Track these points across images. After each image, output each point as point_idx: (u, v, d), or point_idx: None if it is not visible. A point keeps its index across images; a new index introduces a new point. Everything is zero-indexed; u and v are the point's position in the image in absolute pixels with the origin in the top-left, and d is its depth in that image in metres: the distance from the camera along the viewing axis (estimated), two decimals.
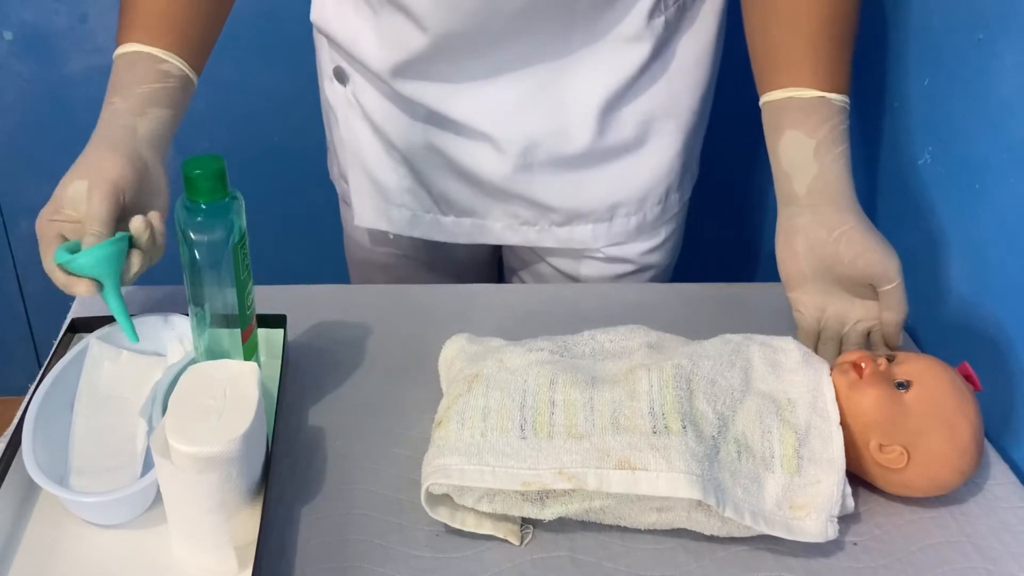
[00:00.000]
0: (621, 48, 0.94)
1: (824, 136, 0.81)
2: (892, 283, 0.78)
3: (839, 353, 0.83)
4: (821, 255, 0.81)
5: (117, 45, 0.84)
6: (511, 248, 1.15)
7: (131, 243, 0.76)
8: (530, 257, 1.13)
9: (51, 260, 0.75)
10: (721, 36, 1.01)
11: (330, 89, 1.06)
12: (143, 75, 0.82)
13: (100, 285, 0.75)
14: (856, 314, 0.82)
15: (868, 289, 0.81)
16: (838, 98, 0.82)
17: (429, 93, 0.96)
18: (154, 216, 0.77)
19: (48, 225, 0.76)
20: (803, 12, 0.83)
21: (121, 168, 0.77)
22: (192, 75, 0.86)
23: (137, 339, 0.79)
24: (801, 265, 0.82)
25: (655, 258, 1.09)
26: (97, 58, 1.54)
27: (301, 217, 1.70)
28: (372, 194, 1.07)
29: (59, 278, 0.75)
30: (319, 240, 1.67)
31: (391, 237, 1.12)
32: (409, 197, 1.06)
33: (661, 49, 0.96)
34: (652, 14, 0.93)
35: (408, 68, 0.95)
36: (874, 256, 0.79)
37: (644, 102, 0.98)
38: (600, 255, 1.07)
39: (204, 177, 0.69)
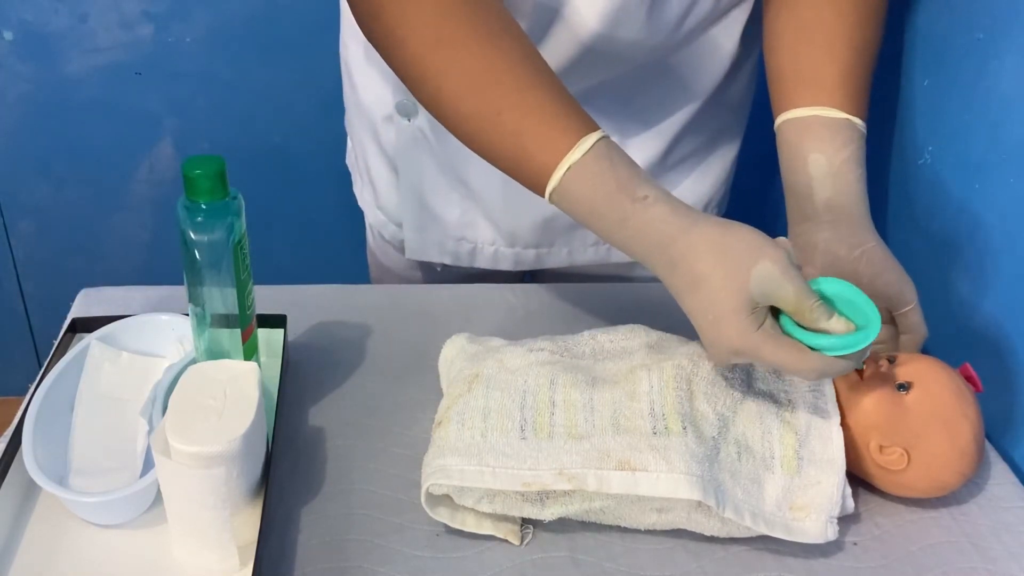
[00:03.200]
0: (695, 93, 0.95)
1: (847, 158, 0.81)
2: (909, 305, 0.78)
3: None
4: (838, 272, 0.79)
5: None
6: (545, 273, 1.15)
7: None
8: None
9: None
10: (755, 75, 1.03)
11: (386, 123, 1.01)
12: None
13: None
14: None
15: (882, 312, 0.80)
16: (860, 123, 0.82)
17: None
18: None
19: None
20: (838, 36, 0.83)
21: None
22: None
23: None
24: None
25: None
26: (97, 58, 1.54)
27: (301, 217, 1.70)
28: (429, 227, 1.04)
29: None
30: (319, 240, 1.67)
31: (439, 269, 1.10)
32: (472, 231, 1.04)
33: (717, 93, 0.97)
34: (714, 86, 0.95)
35: None
36: (892, 277, 0.78)
37: (691, 143, 1.00)
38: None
39: (204, 177, 0.69)
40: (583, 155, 0.69)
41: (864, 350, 0.67)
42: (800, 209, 0.83)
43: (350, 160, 1.14)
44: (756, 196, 1.44)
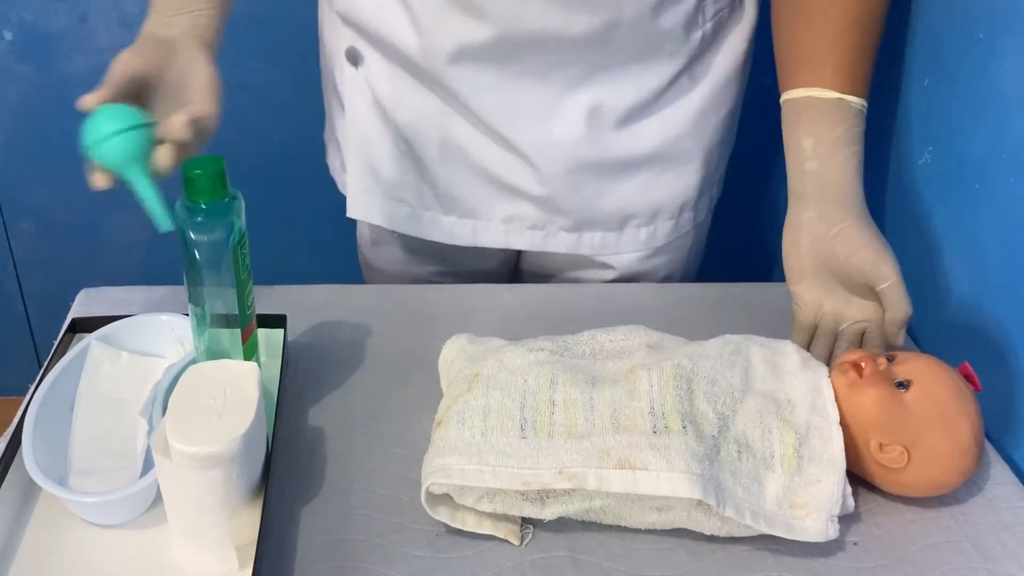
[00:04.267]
0: (656, 59, 0.93)
1: (837, 137, 0.82)
2: (887, 282, 0.79)
3: (831, 351, 0.83)
4: (820, 251, 0.82)
5: None
6: (527, 264, 1.14)
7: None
8: (543, 278, 1.11)
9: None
10: (749, 60, 1.01)
11: (339, 73, 1.02)
12: None
13: (120, 170, 0.72)
14: (852, 313, 0.83)
15: (866, 289, 0.81)
16: (856, 100, 0.83)
17: (463, 86, 0.93)
18: (195, 112, 0.75)
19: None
20: (830, 15, 0.84)
21: (138, 44, 0.76)
22: None
23: (171, 225, 0.71)
24: (803, 260, 0.83)
25: (672, 265, 1.08)
26: (97, 58, 1.54)
27: (301, 217, 1.70)
28: (370, 186, 1.03)
29: (91, 175, 0.72)
30: (319, 240, 1.67)
31: (395, 237, 1.09)
32: (410, 192, 1.03)
33: (692, 65, 0.96)
34: (689, 28, 0.92)
35: (456, 57, 0.92)
36: (868, 254, 0.79)
37: (670, 116, 0.97)
38: (615, 271, 1.06)
39: (204, 177, 0.69)
40: None
41: None
42: (793, 188, 0.85)
43: (326, 133, 1.13)
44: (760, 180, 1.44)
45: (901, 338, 0.81)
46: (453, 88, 0.94)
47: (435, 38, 0.91)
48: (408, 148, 1.00)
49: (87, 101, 0.72)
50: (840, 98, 0.83)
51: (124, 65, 0.74)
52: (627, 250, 1.04)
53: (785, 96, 0.86)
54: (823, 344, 0.83)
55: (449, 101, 0.96)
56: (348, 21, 0.97)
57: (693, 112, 0.98)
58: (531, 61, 0.91)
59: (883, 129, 1.02)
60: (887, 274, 0.79)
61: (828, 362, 0.82)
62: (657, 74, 0.94)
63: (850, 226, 0.80)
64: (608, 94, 0.94)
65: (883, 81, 1.02)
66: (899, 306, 0.79)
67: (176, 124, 0.73)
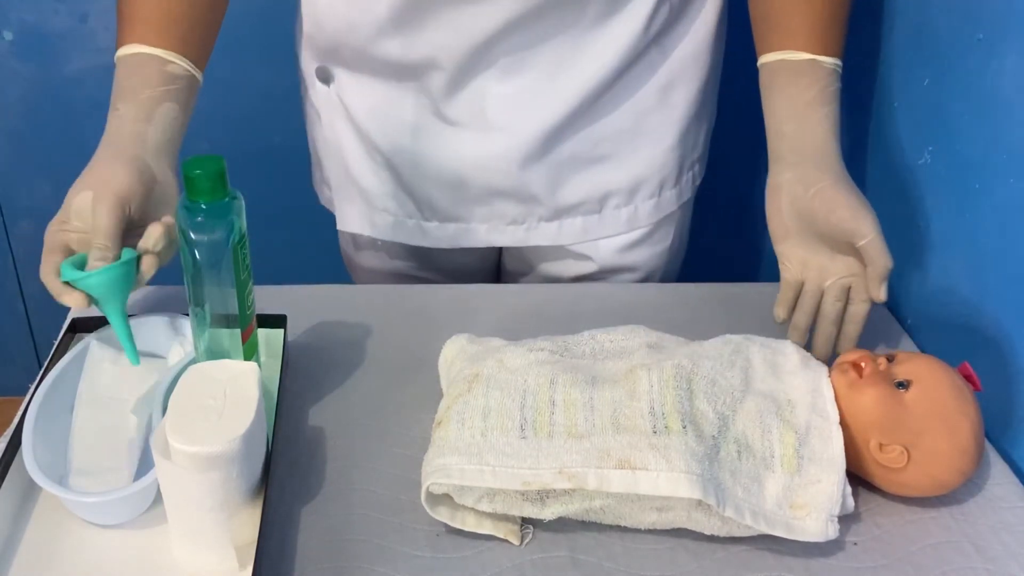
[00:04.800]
0: (621, 33, 0.93)
1: (812, 98, 0.84)
2: (865, 238, 0.79)
3: (818, 307, 0.84)
4: (799, 211, 0.83)
5: (118, 46, 0.83)
6: (508, 259, 1.14)
7: (139, 259, 0.77)
8: (524, 268, 1.12)
9: (49, 268, 0.75)
10: (722, 34, 1.01)
11: (313, 91, 1.04)
12: (148, 78, 0.81)
13: (98, 303, 0.76)
14: (837, 269, 0.84)
15: (847, 246, 0.82)
16: (829, 61, 0.85)
17: (440, 87, 0.94)
18: (168, 221, 0.77)
19: (54, 235, 0.76)
20: None
21: (127, 179, 0.76)
22: (198, 74, 0.85)
23: (138, 362, 0.78)
24: (785, 221, 0.84)
25: (652, 262, 1.08)
26: (97, 58, 1.54)
27: (301, 217, 1.70)
28: (355, 198, 1.06)
29: (54, 286, 0.75)
30: (319, 240, 1.67)
31: (379, 243, 1.10)
32: (392, 202, 1.05)
33: (660, 37, 0.96)
34: (658, 1, 0.93)
35: (431, 60, 0.93)
36: (845, 212, 0.80)
37: (638, 90, 0.98)
38: (594, 263, 1.06)
39: (204, 177, 0.69)
40: None
41: None
42: (772, 151, 0.86)
43: (309, 145, 1.15)
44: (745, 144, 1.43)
45: (883, 293, 0.80)
46: (431, 88, 0.95)
47: (412, 40, 0.92)
48: (384, 160, 1.02)
49: (95, 265, 0.75)
50: (812, 59, 0.84)
51: (117, 214, 0.75)
52: (609, 232, 1.04)
53: (760, 61, 0.88)
54: (810, 300, 0.84)
55: (422, 103, 0.97)
56: (314, 41, 1.00)
57: (662, 84, 0.98)
58: (506, 50, 0.92)
59: (883, 129, 1.02)
60: (865, 230, 0.79)
61: (815, 321, 0.84)
62: (628, 47, 0.94)
63: (827, 185, 0.81)
64: (582, 74, 0.94)
65: (883, 81, 1.02)
66: (879, 261, 0.79)
67: (155, 236, 0.76)
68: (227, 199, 0.71)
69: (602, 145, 0.99)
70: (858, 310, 0.84)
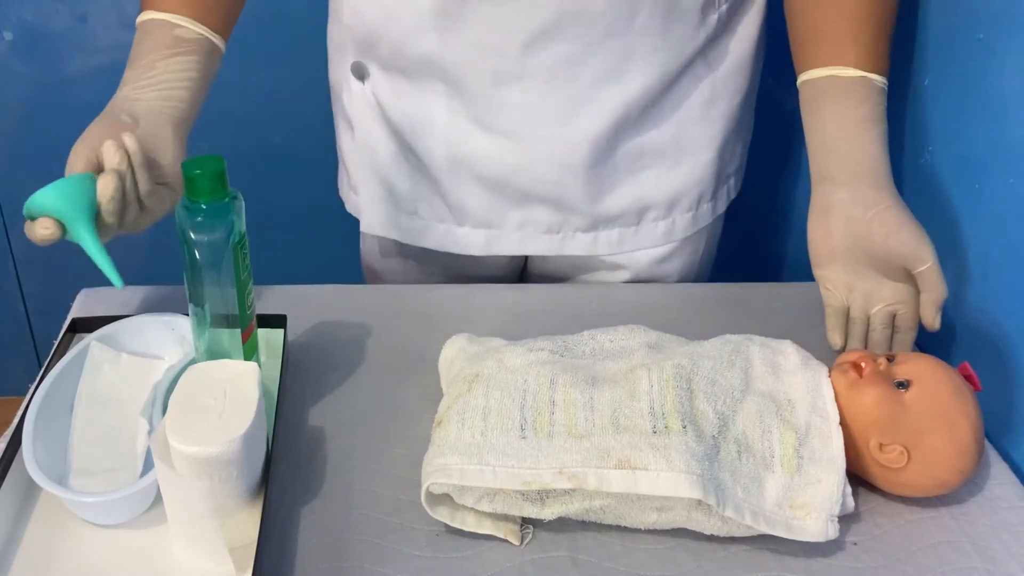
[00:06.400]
0: (675, 43, 0.91)
1: (864, 115, 0.81)
2: (925, 264, 0.78)
3: (866, 334, 0.83)
4: (855, 233, 0.80)
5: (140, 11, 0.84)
6: (534, 269, 1.12)
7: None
8: (551, 280, 1.10)
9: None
10: (762, 48, 1.00)
11: (347, 95, 1.02)
12: (155, 43, 0.81)
13: (65, 229, 0.73)
14: (885, 295, 0.82)
15: (900, 272, 0.80)
16: (878, 79, 0.82)
17: (482, 87, 0.91)
18: (126, 138, 0.75)
19: None
20: None
21: (99, 125, 0.75)
22: (216, 40, 0.83)
23: (121, 283, 0.75)
24: (835, 242, 0.82)
25: (683, 272, 1.06)
26: (97, 58, 1.54)
27: (301, 217, 1.70)
28: (384, 200, 1.03)
29: (26, 229, 0.73)
30: (319, 240, 1.67)
31: (407, 251, 1.08)
32: (423, 205, 1.02)
33: (707, 49, 0.94)
34: (706, 10, 0.91)
35: (478, 55, 0.90)
36: (906, 236, 0.78)
37: (683, 103, 0.96)
38: (627, 272, 1.04)
39: (204, 177, 0.69)
40: None
41: None
42: (819, 170, 0.83)
43: (338, 154, 1.13)
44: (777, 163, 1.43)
45: (938, 321, 0.80)
46: (470, 90, 0.92)
47: (452, 37, 0.90)
48: (417, 161, 1.00)
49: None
50: (863, 76, 0.81)
51: (79, 158, 0.74)
52: (645, 245, 1.02)
53: (804, 76, 0.85)
54: (859, 327, 0.83)
55: (459, 107, 0.94)
56: (353, 32, 0.96)
57: (706, 98, 0.96)
58: (553, 54, 0.89)
59: None
60: (926, 256, 0.78)
61: (866, 344, 0.82)
62: (676, 58, 0.92)
63: (888, 208, 0.79)
64: (629, 84, 0.92)
65: None
66: (938, 288, 0.78)
67: (108, 151, 0.74)
68: (227, 199, 0.71)
69: (644, 158, 0.97)
70: (905, 338, 0.83)
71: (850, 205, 0.80)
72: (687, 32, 0.91)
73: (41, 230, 0.71)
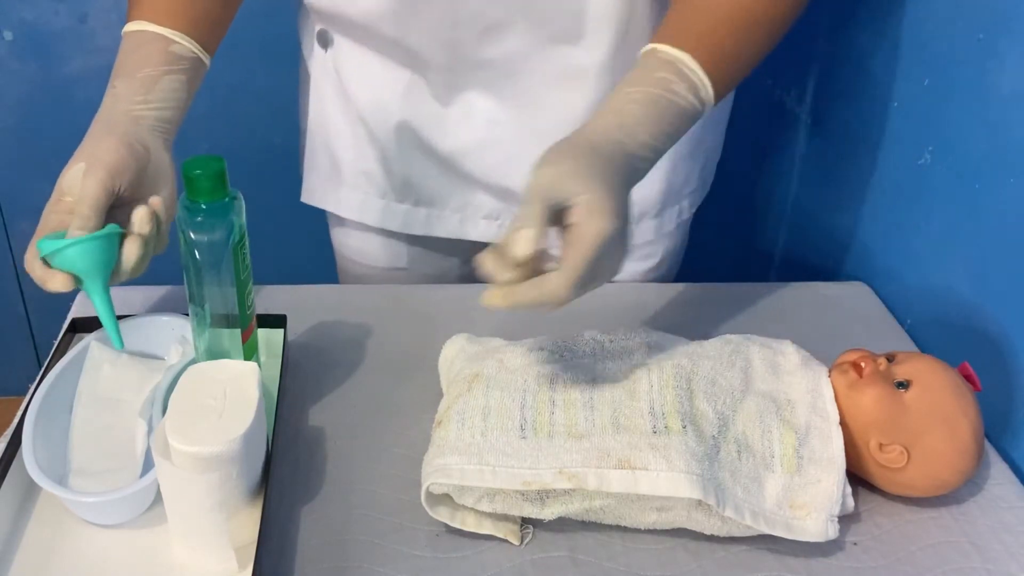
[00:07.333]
0: (619, 63, 0.90)
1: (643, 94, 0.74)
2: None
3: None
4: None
5: (127, 21, 0.81)
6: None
7: (123, 237, 0.72)
8: None
9: (33, 255, 0.71)
10: None
11: (309, 58, 1.01)
12: (150, 56, 0.78)
13: (81, 281, 0.71)
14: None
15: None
16: (667, 51, 0.75)
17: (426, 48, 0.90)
18: (155, 202, 0.73)
19: (45, 218, 0.72)
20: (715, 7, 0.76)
21: (117, 152, 0.72)
22: (205, 58, 0.82)
23: (122, 345, 0.75)
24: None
25: (638, 277, 1.06)
26: (97, 58, 1.54)
27: (301, 217, 1.69)
28: (326, 169, 1.03)
29: (36, 271, 0.70)
30: (319, 240, 1.67)
31: (372, 235, 1.07)
32: (364, 179, 1.02)
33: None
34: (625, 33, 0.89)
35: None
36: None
37: None
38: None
39: (204, 177, 0.69)
40: None
41: None
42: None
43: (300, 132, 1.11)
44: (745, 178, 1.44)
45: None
46: (431, 70, 0.92)
47: (408, 24, 0.89)
48: (367, 133, 0.99)
49: (75, 234, 0.70)
50: (677, 57, 0.74)
51: (104, 184, 0.71)
52: None
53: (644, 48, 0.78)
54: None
55: (416, 87, 0.94)
56: (315, 6, 0.95)
57: None
58: (507, 48, 0.89)
59: (883, 129, 1.02)
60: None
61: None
62: (600, 75, 0.90)
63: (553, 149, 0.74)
64: (583, 92, 0.91)
65: (883, 81, 1.03)
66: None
67: (140, 217, 0.72)
68: (227, 199, 0.71)
69: None
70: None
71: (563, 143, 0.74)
72: (639, 50, 0.88)
73: (59, 286, 0.70)
